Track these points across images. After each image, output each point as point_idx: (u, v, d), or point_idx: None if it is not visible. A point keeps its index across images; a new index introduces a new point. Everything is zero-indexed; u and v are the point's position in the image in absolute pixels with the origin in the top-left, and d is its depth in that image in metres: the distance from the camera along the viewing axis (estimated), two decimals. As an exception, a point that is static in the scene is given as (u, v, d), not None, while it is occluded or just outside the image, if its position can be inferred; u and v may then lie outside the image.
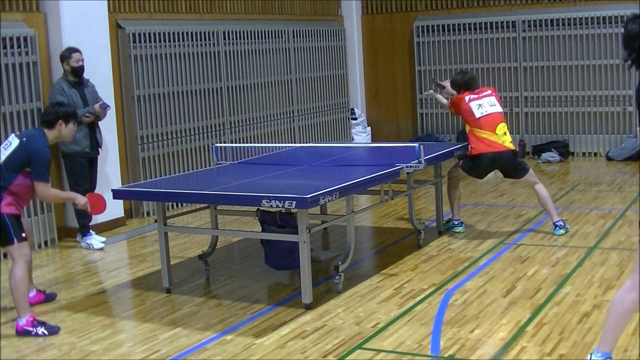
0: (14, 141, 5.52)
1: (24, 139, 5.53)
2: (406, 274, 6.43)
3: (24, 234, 5.51)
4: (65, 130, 5.67)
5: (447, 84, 7.85)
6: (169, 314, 5.79)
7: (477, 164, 7.50)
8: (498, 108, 7.49)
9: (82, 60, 7.78)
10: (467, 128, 7.51)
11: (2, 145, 5.60)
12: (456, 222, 7.80)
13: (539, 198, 7.57)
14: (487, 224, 8.03)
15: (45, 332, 5.42)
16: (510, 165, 7.51)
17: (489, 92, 7.61)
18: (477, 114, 7.38)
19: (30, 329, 5.41)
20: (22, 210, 5.64)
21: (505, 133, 7.45)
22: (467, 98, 7.45)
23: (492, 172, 8.10)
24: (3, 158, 5.48)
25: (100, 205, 5.97)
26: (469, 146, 7.47)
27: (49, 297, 6.21)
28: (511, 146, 7.47)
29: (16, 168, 5.45)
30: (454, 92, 7.70)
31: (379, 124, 13.67)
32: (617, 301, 4.06)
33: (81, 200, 5.83)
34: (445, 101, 7.91)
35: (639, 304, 4.01)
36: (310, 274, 5.62)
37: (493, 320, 5.28)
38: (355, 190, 6.08)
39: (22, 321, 5.43)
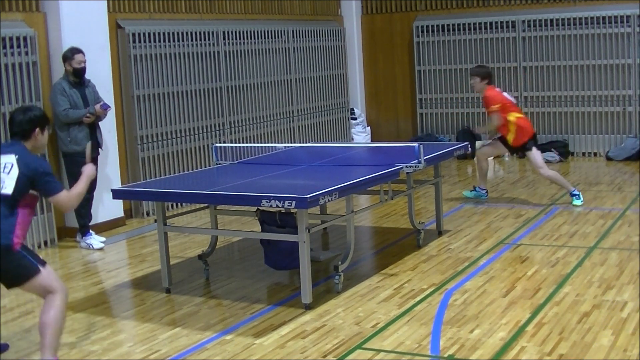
0: (12, 160, 4.58)
1: (16, 156, 4.60)
2: (406, 274, 6.43)
3: (40, 257, 4.69)
4: (42, 139, 4.78)
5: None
6: (169, 314, 5.79)
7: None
8: None
9: (85, 62, 7.78)
10: (511, 116, 8.44)
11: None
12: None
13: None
14: (487, 224, 8.03)
15: None
16: None
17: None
18: (513, 100, 8.77)
19: None
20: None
21: None
22: (498, 89, 8.70)
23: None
24: (12, 184, 4.53)
25: None
26: (512, 136, 8.49)
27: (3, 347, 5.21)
28: None
29: (20, 194, 4.55)
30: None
31: (379, 124, 13.67)
32: None
33: (90, 170, 4.95)
34: (495, 123, 8.59)
35: None
36: (310, 274, 5.62)
37: (493, 320, 5.28)
38: (355, 190, 6.08)
39: None
